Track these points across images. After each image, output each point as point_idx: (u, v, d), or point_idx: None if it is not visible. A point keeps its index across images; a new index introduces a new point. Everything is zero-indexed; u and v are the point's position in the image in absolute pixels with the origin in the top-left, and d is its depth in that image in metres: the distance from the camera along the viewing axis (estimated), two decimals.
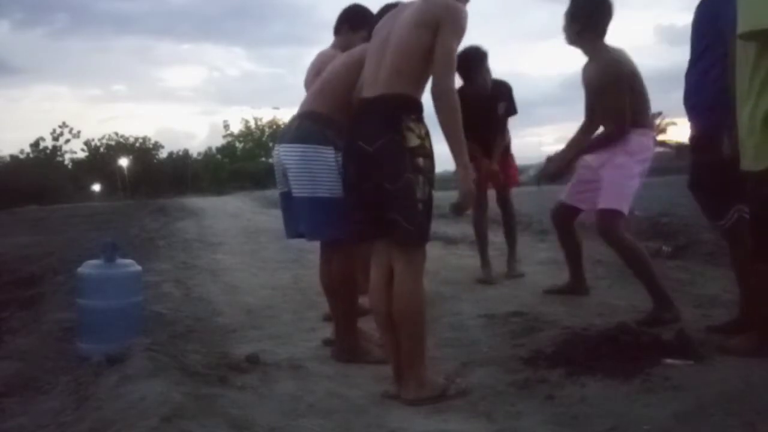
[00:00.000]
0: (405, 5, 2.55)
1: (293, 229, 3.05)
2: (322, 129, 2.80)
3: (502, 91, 4.80)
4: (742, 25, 2.14)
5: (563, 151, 3.77)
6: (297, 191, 2.88)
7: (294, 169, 2.87)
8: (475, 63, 4.54)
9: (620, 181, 3.41)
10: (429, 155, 2.41)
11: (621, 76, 3.36)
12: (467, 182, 2.40)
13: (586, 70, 3.57)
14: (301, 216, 2.91)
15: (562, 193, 3.90)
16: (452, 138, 2.37)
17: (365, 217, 2.50)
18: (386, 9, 2.92)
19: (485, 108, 4.59)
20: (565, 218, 3.88)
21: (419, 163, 2.36)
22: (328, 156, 2.78)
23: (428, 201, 2.42)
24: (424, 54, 2.36)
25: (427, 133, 2.42)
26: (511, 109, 4.83)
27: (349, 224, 2.59)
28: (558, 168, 3.76)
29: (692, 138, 2.96)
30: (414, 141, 2.35)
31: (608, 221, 3.39)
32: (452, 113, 2.35)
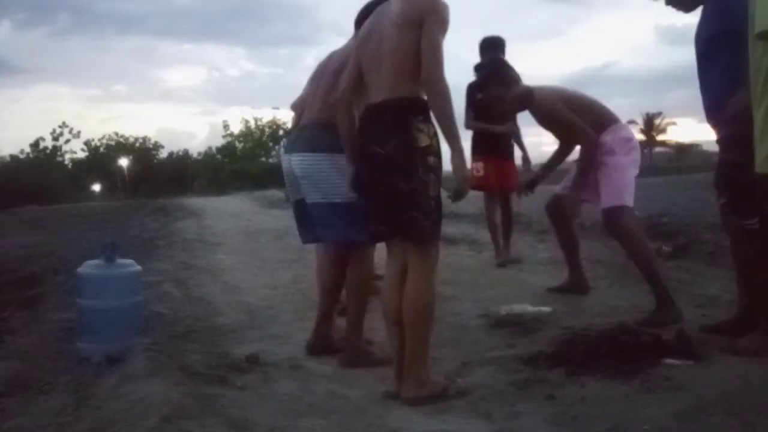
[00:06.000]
0: (386, 6, 2.56)
1: (309, 235, 3.16)
2: (332, 137, 2.80)
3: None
4: (760, 24, 2.11)
5: (543, 170, 4.22)
6: (312, 198, 2.96)
7: (308, 177, 2.95)
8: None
9: (615, 177, 3.51)
10: (438, 154, 2.45)
11: (555, 106, 3.63)
12: (463, 168, 2.43)
13: (534, 114, 3.82)
14: (319, 221, 2.98)
15: (558, 186, 4.02)
16: (445, 125, 2.40)
17: (381, 219, 2.53)
18: (368, 8, 2.91)
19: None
20: (560, 210, 3.96)
21: (430, 162, 2.41)
22: (341, 162, 2.79)
23: (439, 199, 2.46)
24: (418, 52, 2.39)
25: (435, 133, 2.46)
26: None
27: (367, 226, 2.64)
28: (533, 180, 4.25)
29: (722, 137, 2.84)
30: (424, 141, 2.40)
31: (613, 217, 3.46)
32: (443, 101, 2.38)
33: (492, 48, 5.16)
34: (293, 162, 3.02)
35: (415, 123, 2.40)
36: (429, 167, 2.40)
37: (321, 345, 3.10)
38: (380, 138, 2.43)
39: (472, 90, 5.18)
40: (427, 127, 2.42)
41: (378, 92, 2.49)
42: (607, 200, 3.49)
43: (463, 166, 2.43)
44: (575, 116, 3.57)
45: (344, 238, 2.97)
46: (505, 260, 5.22)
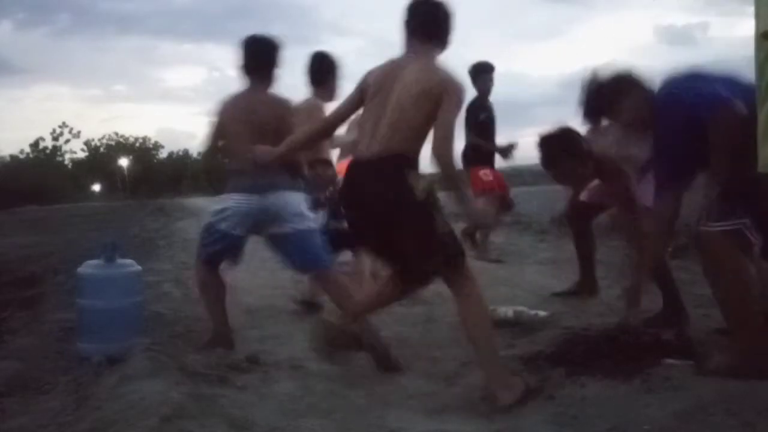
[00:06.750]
0: (404, 64, 2.59)
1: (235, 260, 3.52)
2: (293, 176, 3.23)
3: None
4: (764, 24, 2.11)
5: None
6: (295, 226, 3.16)
7: (290, 210, 3.16)
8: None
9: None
10: (434, 195, 2.50)
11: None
12: (475, 211, 2.65)
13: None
14: (303, 248, 3.22)
15: (584, 194, 3.84)
16: (452, 190, 2.50)
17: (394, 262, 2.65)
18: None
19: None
20: (581, 219, 3.93)
21: (430, 208, 2.47)
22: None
23: (451, 233, 2.52)
24: (425, 119, 2.47)
25: (430, 180, 2.51)
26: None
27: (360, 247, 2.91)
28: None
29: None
30: (422, 194, 2.45)
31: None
32: (450, 171, 2.46)
33: (482, 72, 5.92)
34: (271, 200, 3.13)
35: (410, 177, 2.46)
36: (430, 213, 2.46)
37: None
38: (378, 195, 2.48)
39: (474, 110, 5.84)
40: (421, 177, 2.49)
41: (371, 142, 2.53)
42: (644, 198, 3.34)
43: (475, 209, 2.61)
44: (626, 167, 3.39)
45: (323, 264, 3.26)
46: (487, 258, 5.72)
